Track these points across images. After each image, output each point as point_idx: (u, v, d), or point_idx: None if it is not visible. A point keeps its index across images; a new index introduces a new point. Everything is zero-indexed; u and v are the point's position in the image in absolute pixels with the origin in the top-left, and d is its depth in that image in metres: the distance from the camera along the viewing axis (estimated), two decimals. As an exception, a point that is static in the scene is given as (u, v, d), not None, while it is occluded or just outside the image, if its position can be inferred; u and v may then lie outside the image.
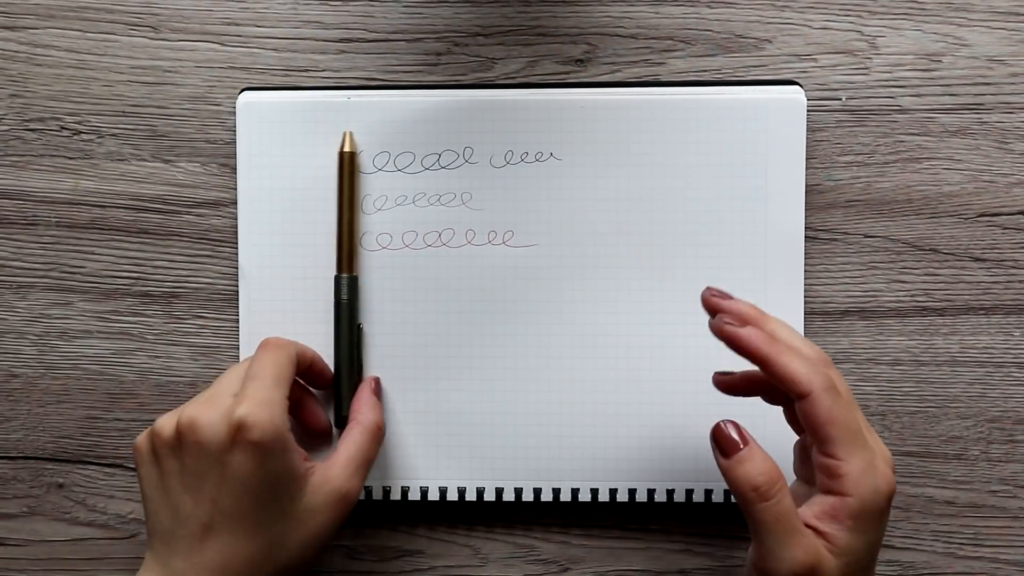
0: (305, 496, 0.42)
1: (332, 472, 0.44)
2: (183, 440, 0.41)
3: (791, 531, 0.38)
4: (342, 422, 0.47)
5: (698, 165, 0.48)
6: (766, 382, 0.42)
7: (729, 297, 0.42)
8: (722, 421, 0.40)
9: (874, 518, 0.39)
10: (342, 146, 0.48)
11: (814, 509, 0.39)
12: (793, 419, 0.43)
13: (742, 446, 0.39)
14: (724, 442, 0.40)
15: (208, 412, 0.41)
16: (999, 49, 0.49)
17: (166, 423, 0.42)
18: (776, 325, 0.41)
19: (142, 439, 0.43)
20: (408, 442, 0.49)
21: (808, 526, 0.39)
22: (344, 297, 0.48)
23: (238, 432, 0.40)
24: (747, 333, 0.40)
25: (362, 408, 0.47)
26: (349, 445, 0.45)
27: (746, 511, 0.39)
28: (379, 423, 0.47)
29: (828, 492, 0.39)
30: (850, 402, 0.40)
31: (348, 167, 0.48)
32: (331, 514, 0.43)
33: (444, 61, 0.50)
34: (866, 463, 0.38)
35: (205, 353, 0.50)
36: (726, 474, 0.40)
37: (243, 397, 0.41)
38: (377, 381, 0.49)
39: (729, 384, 0.45)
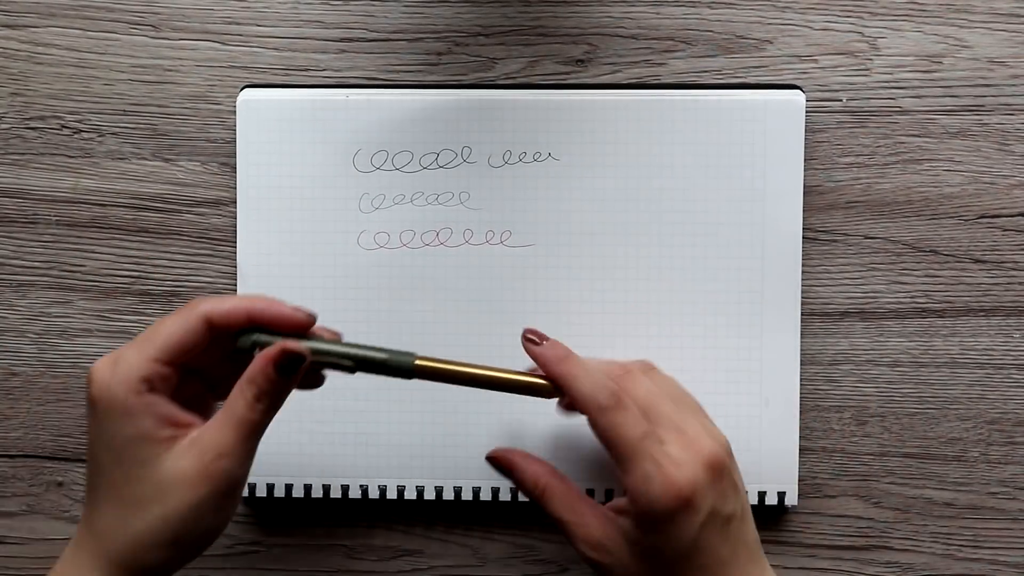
0: (164, 464, 0.38)
1: (201, 441, 0.39)
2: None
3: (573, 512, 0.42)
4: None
5: (696, 166, 0.48)
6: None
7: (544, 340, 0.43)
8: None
9: (662, 521, 0.39)
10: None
11: (614, 503, 0.42)
12: None
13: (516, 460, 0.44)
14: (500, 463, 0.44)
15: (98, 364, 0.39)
16: (1000, 51, 0.49)
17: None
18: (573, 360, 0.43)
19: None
20: (405, 441, 0.49)
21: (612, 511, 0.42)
22: None
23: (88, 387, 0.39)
24: (541, 351, 0.42)
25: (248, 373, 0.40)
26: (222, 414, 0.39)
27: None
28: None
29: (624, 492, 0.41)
30: (646, 409, 0.41)
31: None
32: (193, 491, 0.38)
33: (445, 61, 0.50)
34: (643, 476, 0.39)
35: (204, 352, 0.50)
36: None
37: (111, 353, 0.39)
38: (287, 356, 0.39)
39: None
